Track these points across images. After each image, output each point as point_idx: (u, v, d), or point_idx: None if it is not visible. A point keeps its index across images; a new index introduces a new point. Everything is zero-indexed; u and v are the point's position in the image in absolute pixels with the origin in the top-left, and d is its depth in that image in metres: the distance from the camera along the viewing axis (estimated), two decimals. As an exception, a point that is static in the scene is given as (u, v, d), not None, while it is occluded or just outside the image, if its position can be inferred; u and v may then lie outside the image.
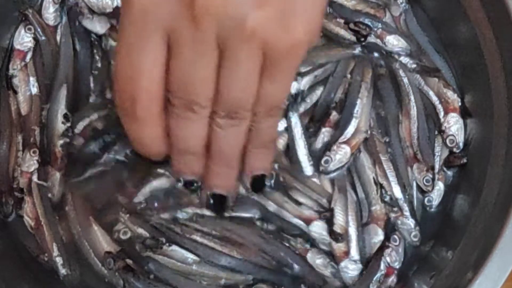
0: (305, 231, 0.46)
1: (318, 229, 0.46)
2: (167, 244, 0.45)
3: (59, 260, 0.46)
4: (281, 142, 0.48)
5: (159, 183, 0.46)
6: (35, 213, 0.46)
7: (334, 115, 0.49)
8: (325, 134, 0.48)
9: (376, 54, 0.51)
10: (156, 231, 0.45)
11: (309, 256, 0.46)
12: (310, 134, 0.49)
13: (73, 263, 0.46)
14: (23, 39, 0.49)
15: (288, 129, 0.48)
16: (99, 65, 0.50)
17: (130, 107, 0.32)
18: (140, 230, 0.46)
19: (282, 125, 0.47)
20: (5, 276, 0.43)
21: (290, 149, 0.48)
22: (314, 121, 0.49)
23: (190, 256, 0.45)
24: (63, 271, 0.46)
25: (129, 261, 0.44)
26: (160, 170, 0.46)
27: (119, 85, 0.32)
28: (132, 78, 0.31)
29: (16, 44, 0.49)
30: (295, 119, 0.47)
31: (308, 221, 0.46)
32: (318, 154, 0.48)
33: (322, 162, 0.47)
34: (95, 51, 0.50)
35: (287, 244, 0.46)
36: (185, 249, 0.45)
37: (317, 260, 0.46)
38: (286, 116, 0.48)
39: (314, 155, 0.48)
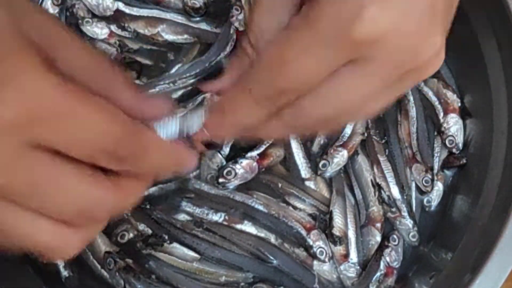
0: (305, 238, 0.46)
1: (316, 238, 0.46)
2: (168, 241, 0.45)
3: (60, 262, 0.46)
4: (282, 147, 0.48)
5: (153, 189, 0.47)
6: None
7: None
8: (321, 137, 0.48)
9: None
10: (158, 227, 0.46)
11: (316, 263, 0.46)
12: (307, 138, 0.49)
13: (73, 265, 0.46)
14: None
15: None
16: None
17: None
18: (142, 227, 0.46)
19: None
20: (5, 278, 0.43)
21: (286, 153, 0.48)
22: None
23: (191, 254, 0.45)
24: (65, 273, 0.46)
25: (129, 261, 0.44)
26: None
27: None
28: None
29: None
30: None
31: (308, 229, 0.46)
32: (315, 158, 0.48)
33: (320, 165, 0.47)
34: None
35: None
36: (186, 246, 0.45)
37: (324, 267, 0.46)
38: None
39: (312, 158, 0.48)
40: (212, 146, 0.31)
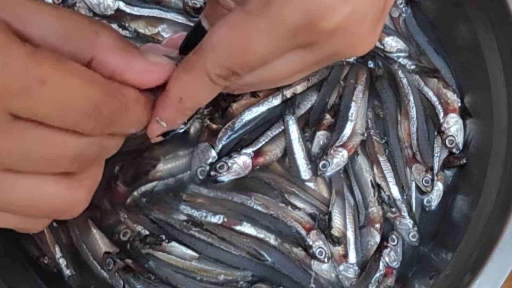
0: (304, 238, 0.46)
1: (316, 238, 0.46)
2: (167, 240, 0.45)
3: (62, 262, 0.46)
4: (279, 146, 0.48)
5: (150, 186, 0.47)
6: (34, 216, 0.46)
7: (327, 118, 0.49)
8: (320, 137, 0.48)
9: (371, 63, 0.51)
10: (155, 227, 0.46)
11: (314, 263, 0.46)
12: (306, 139, 0.49)
13: (75, 265, 0.47)
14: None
15: (285, 133, 0.48)
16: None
17: None
18: (139, 228, 0.46)
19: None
20: (6, 278, 0.43)
21: (287, 153, 0.48)
22: (309, 126, 0.49)
23: (189, 252, 0.45)
24: (67, 272, 0.46)
25: (128, 261, 0.44)
26: (153, 172, 0.46)
27: None
28: None
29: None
30: (292, 122, 0.48)
31: (307, 229, 0.46)
32: (315, 158, 0.48)
33: (320, 166, 0.47)
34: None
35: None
36: (184, 245, 0.45)
37: (323, 266, 0.46)
38: (283, 119, 0.48)
39: (312, 159, 0.48)
40: (168, 133, 0.31)
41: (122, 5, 0.50)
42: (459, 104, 0.49)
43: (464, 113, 0.49)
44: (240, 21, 0.27)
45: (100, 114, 0.24)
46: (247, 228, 0.46)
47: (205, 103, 0.30)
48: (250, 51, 0.27)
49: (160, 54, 0.29)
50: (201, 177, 0.47)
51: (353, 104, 0.48)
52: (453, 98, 0.49)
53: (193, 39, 0.32)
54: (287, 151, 0.48)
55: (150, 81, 0.28)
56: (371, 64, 0.51)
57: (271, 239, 0.46)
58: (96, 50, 0.26)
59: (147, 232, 0.46)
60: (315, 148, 0.48)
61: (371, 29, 0.29)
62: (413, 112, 0.49)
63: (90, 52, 0.26)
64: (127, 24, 0.50)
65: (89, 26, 0.26)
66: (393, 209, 0.47)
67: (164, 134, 0.31)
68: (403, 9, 0.52)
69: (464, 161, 0.48)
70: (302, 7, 0.26)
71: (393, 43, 0.50)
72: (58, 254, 0.46)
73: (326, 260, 0.46)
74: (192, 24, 0.50)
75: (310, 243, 0.46)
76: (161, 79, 0.29)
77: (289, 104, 0.48)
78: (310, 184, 0.48)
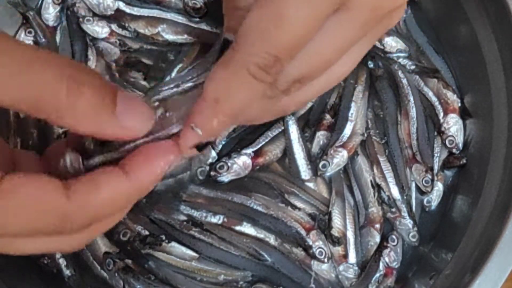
0: (304, 238, 0.46)
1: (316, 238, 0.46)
2: (167, 240, 0.45)
3: (62, 262, 0.46)
4: (279, 147, 0.48)
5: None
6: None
7: (327, 118, 0.49)
8: (320, 137, 0.48)
9: (371, 63, 0.51)
10: (155, 227, 0.46)
11: (314, 263, 0.46)
12: (306, 139, 0.49)
13: (75, 265, 0.46)
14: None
15: (285, 133, 0.48)
16: (93, 66, 0.50)
17: None
18: (139, 228, 0.46)
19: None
20: (6, 278, 0.43)
21: (287, 153, 0.48)
22: (309, 126, 0.49)
23: (189, 252, 0.45)
24: (67, 272, 0.46)
25: (128, 261, 0.44)
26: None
27: None
28: None
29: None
30: (292, 122, 0.48)
31: (307, 229, 0.46)
32: (315, 159, 0.48)
33: (320, 166, 0.47)
34: (89, 51, 0.50)
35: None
36: (184, 245, 0.45)
37: (323, 266, 0.46)
38: (283, 120, 0.48)
39: (312, 159, 0.48)
40: (204, 146, 0.27)
41: (122, 5, 0.50)
42: (459, 104, 0.49)
43: (464, 113, 0.49)
44: None
45: (62, 231, 0.24)
46: (247, 228, 0.46)
47: (246, 106, 0.26)
48: (286, 21, 0.24)
49: (139, 114, 0.26)
50: (201, 177, 0.47)
51: (353, 104, 0.48)
52: (453, 98, 0.49)
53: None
54: (287, 151, 0.48)
55: (125, 140, 0.26)
56: (371, 64, 0.51)
57: (271, 239, 0.46)
58: (65, 120, 0.24)
59: (147, 232, 0.46)
60: (315, 148, 0.48)
61: None
62: (413, 112, 0.49)
63: (58, 121, 0.24)
64: (127, 24, 0.50)
65: (63, 95, 0.23)
66: (393, 209, 0.47)
67: (199, 147, 0.27)
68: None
69: (464, 161, 0.48)
70: None
71: (393, 43, 0.50)
72: (58, 254, 0.46)
73: (326, 260, 0.46)
74: (192, 24, 0.50)
75: (310, 243, 0.45)
76: (136, 137, 0.26)
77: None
78: (310, 184, 0.48)
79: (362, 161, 0.48)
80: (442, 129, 0.48)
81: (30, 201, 0.24)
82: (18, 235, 0.24)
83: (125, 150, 0.27)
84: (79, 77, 0.24)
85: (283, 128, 0.48)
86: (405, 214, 0.47)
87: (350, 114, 0.48)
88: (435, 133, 0.49)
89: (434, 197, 0.48)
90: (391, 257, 0.46)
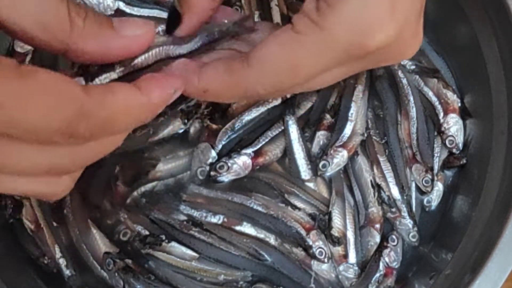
0: (304, 238, 0.46)
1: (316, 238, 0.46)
2: (166, 240, 0.45)
3: (62, 262, 0.46)
4: (279, 147, 0.48)
5: (150, 186, 0.47)
6: (34, 216, 0.46)
7: (327, 118, 0.49)
8: (320, 137, 0.48)
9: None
10: (155, 227, 0.46)
11: (314, 263, 0.46)
12: (306, 139, 0.49)
13: (75, 265, 0.47)
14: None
15: (285, 133, 0.48)
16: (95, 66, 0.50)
17: None
18: (139, 228, 0.46)
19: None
20: (6, 278, 0.43)
21: (287, 153, 0.48)
22: (309, 126, 0.49)
23: (189, 252, 0.45)
24: (67, 272, 0.46)
25: (128, 261, 0.44)
26: (154, 172, 0.46)
27: None
28: None
29: (17, 47, 0.49)
30: (292, 122, 0.48)
31: (307, 229, 0.46)
32: (315, 159, 0.48)
33: (320, 166, 0.47)
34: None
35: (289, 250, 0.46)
36: (184, 245, 0.45)
37: (323, 266, 0.46)
38: (283, 120, 0.48)
39: (312, 159, 0.48)
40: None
41: (122, 5, 0.49)
42: (459, 104, 0.49)
43: (464, 113, 0.49)
44: (290, 40, 0.28)
45: (75, 131, 0.24)
46: (247, 228, 0.46)
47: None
48: (300, 70, 0.28)
49: (136, 23, 0.29)
50: (201, 177, 0.47)
51: (353, 104, 0.48)
52: (453, 98, 0.49)
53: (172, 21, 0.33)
54: (287, 151, 0.48)
55: (133, 54, 0.28)
56: None
57: (271, 239, 0.46)
58: (71, 39, 0.26)
59: (147, 232, 0.46)
60: (315, 148, 0.48)
61: (414, 33, 0.30)
62: (413, 112, 0.49)
63: (65, 42, 0.26)
64: (127, 24, 0.50)
65: (66, 14, 0.25)
66: (393, 209, 0.47)
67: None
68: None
69: (464, 161, 0.48)
70: (355, 28, 0.27)
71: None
72: (58, 254, 0.46)
73: (326, 260, 0.46)
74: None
75: (310, 243, 0.45)
76: (143, 48, 0.29)
77: (289, 104, 0.48)
78: (310, 184, 0.48)
79: (362, 161, 0.48)
80: (442, 129, 0.48)
81: (49, 86, 0.23)
82: (33, 131, 0.23)
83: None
84: (79, 5, 0.26)
85: (283, 128, 0.48)
86: (405, 214, 0.47)
87: (350, 114, 0.48)
88: (435, 133, 0.49)
89: (434, 197, 0.48)
90: (391, 257, 0.46)
